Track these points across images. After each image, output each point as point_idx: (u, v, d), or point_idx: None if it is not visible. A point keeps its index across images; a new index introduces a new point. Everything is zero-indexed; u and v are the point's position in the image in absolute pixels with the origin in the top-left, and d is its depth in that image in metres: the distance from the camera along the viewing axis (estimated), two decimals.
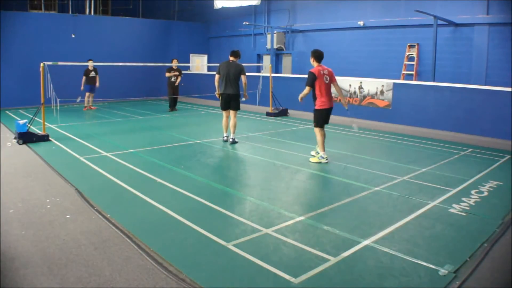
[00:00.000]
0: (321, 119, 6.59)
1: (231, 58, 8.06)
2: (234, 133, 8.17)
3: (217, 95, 8.20)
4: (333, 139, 7.04)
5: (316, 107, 6.58)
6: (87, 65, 13.11)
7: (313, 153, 6.99)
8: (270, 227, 3.97)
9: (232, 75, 7.89)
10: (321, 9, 15.39)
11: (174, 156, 7.14)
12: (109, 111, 13.25)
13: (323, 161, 6.53)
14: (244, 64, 17.03)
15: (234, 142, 8.11)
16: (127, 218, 4.19)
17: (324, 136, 6.68)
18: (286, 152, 7.45)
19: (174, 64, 13.29)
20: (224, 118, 8.26)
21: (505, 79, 10.42)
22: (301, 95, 6.51)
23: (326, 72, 6.49)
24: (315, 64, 6.54)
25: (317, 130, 6.61)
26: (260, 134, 9.36)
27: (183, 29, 19.49)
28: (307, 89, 6.43)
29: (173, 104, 13.63)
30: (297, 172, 6.06)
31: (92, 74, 13.21)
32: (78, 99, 13.57)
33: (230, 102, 8.02)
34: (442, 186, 5.39)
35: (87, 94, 13.38)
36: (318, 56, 6.51)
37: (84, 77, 13.12)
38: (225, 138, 8.31)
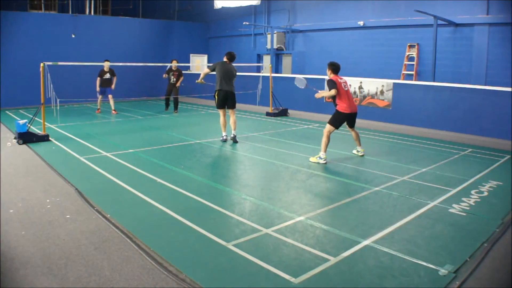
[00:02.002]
0: (339, 121, 6.74)
1: (227, 60, 8.18)
2: (235, 129, 8.26)
3: (198, 81, 8.51)
4: (333, 139, 7.05)
5: (338, 109, 6.73)
6: (102, 66, 12.42)
7: (354, 151, 7.22)
8: (270, 227, 3.97)
9: (230, 74, 8.07)
10: (321, 9, 15.40)
11: (174, 156, 7.14)
12: (109, 111, 13.24)
13: (321, 161, 6.55)
14: (244, 64, 17.08)
15: (235, 140, 8.15)
16: (127, 218, 4.19)
17: (357, 135, 7.10)
18: (286, 152, 7.45)
19: (174, 65, 13.14)
20: (222, 117, 8.29)
21: (505, 79, 10.42)
22: (323, 94, 6.88)
23: (343, 81, 6.75)
24: (331, 75, 6.75)
25: (327, 130, 6.69)
26: (260, 134, 9.36)
27: (183, 29, 19.49)
28: (333, 91, 6.54)
29: (169, 104, 13.59)
30: (297, 172, 6.06)
31: (107, 76, 12.38)
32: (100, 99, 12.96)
33: (228, 100, 8.09)
34: (442, 186, 5.39)
35: (100, 97, 12.67)
36: (336, 69, 6.77)
37: (98, 78, 12.38)
38: (224, 138, 8.31)
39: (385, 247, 3.56)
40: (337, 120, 6.74)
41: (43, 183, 5.42)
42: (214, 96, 8.18)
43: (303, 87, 7.98)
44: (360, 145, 7.16)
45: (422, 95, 10.77)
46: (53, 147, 7.65)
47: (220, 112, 8.27)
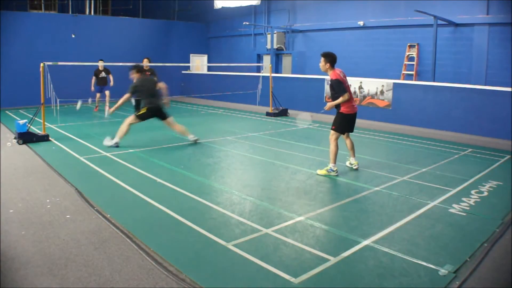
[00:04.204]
0: (344, 125, 5.96)
1: (141, 75, 7.87)
2: (120, 137, 7.61)
3: (142, 112, 7.60)
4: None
5: (342, 111, 5.88)
6: (97, 65, 12.81)
7: (347, 163, 6.35)
8: (270, 227, 3.97)
9: (155, 86, 7.85)
10: (321, 9, 15.40)
11: (174, 156, 7.14)
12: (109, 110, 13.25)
13: (333, 174, 5.86)
14: (244, 64, 16.93)
15: (115, 146, 7.57)
16: (127, 218, 4.19)
17: (352, 144, 6.23)
18: (286, 152, 7.45)
19: (146, 64, 11.83)
20: (128, 126, 7.59)
21: (505, 79, 10.42)
22: (335, 103, 5.81)
23: (343, 75, 5.89)
24: (329, 70, 5.86)
25: (333, 137, 5.92)
26: (260, 134, 9.36)
27: (183, 29, 19.50)
28: (345, 97, 5.71)
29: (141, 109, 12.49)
30: (297, 172, 6.06)
31: (102, 74, 12.76)
32: (90, 101, 13.06)
33: (158, 115, 7.71)
34: (442, 186, 5.39)
35: (97, 95, 12.99)
36: (333, 60, 5.85)
37: (93, 78, 12.78)
38: (117, 144, 7.59)
39: (385, 247, 3.56)
40: (343, 124, 5.95)
41: (43, 183, 5.42)
42: (141, 110, 7.60)
43: (309, 121, 7.07)
44: (354, 156, 6.28)
45: (422, 95, 10.77)
46: (53, 147, 7.65)
47: (138, 121, 7.65)
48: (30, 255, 3.36)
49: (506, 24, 10.61)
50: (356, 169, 6.21)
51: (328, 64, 5.84)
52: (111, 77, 12.92)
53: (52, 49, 14.97)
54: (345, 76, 5.92)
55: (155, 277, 3.05)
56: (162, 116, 7.80)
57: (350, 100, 5.87)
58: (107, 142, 7.66)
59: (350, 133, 6.26)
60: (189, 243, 3.63)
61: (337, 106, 5.93)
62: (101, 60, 12.84)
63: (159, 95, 7.86)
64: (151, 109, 7.61)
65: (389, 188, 5.28)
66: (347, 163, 6.38)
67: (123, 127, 7.60)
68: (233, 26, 18.90)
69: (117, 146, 7.57)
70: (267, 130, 9.96)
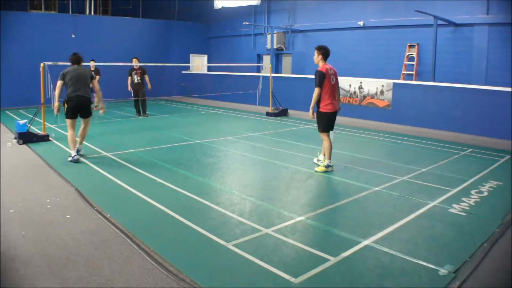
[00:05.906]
0: (327, 123, 6.00)
1: (76, 65, 7.05)
2: (82, 143, 6.94)
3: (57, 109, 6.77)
4: (333, 138, 7.08)
5: (320, 109, 5.98)
6: (89, 65, 13.18)
7: (315, 160, 6.48)
8: (270, 227, 3.97)
9: (83, 78, 6.95)
10: (321, 9, 15.41)
11: (174, 156, 7.14)
12: (109, 111, 13.24)
13: (330, 169, 6.06)
14: (244, 64, 16.84)
15: (80, 154, 6.74)
16: (127, 218, 4.19)
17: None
18: (286, 152, 7.45)
19: (135, 63, 12.06)
20: (71, 131, 6.66)
21: (505, 79, 10.42)
22: (312, 104, 5.93)
23: (332, 71, 5.96)
24: (321, 62, 5.96)
25: (324, 136, 6.05)
26: (260, 134, 9.36)
27: (183, 29, 19.50)
28: (317, 91, 5.84)
29: (141, 109, 12.32)
30: (297, 172, 6.06)
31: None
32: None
33: (81, 109, 6.80)
34: (442, 186, 5.39)
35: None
36: (326, 53, 5.95)
37: None
38: (75, 158, 6.48)
39: (385, 247, 3.56)
40: (324, 123, 6.00)
41: (43, 183, 5.42)
42: (64, 105, 6.70)
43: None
44: (330, 157, 6.12)
45: (422, 95, 10.78)
46: (53, 147, 7.65)
47: (72, 123, 6.71)
48: (30, 255, 3.36)
49: (506, 24, 10.61)
50: (319, 166, 6.16)
51: (320, 56, 5.98)
52: (96, 78, 13.22)
53: (52, 49, 14.97)
54: (334, 74, 6.00)
55: (155, 277, 3.05)
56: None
57: (328, 97, 5.90)
58: (69, 158, 6.57)
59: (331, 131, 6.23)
60: (189, 243, 3.63)
61: (318, 105, 6.01)
62: (93, 60, 13.17)
63: (85, 88, 6.92)
64: (69, 101, 6.56)
65: (389, 188, 5.28)
66: (315, 160, 6.49)
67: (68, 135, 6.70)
68: (233, 26, 18.90)
69: (77, 160, 6.49)
70: (267, 130, 9.96)
